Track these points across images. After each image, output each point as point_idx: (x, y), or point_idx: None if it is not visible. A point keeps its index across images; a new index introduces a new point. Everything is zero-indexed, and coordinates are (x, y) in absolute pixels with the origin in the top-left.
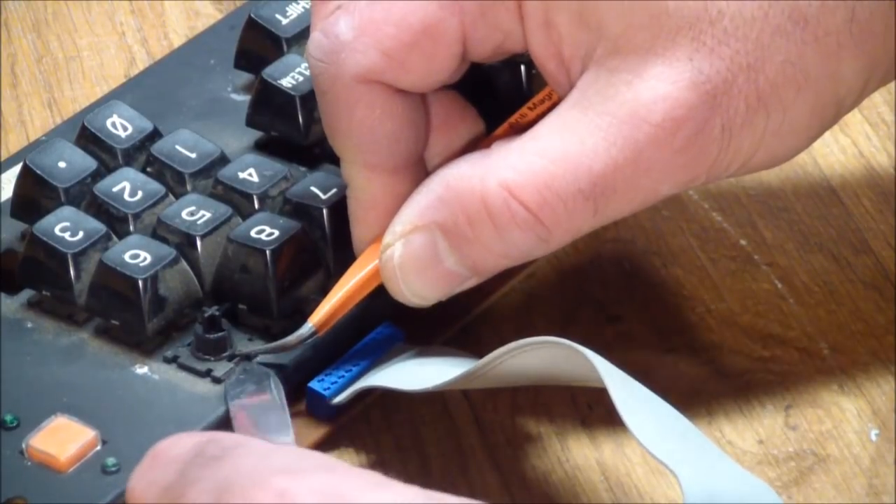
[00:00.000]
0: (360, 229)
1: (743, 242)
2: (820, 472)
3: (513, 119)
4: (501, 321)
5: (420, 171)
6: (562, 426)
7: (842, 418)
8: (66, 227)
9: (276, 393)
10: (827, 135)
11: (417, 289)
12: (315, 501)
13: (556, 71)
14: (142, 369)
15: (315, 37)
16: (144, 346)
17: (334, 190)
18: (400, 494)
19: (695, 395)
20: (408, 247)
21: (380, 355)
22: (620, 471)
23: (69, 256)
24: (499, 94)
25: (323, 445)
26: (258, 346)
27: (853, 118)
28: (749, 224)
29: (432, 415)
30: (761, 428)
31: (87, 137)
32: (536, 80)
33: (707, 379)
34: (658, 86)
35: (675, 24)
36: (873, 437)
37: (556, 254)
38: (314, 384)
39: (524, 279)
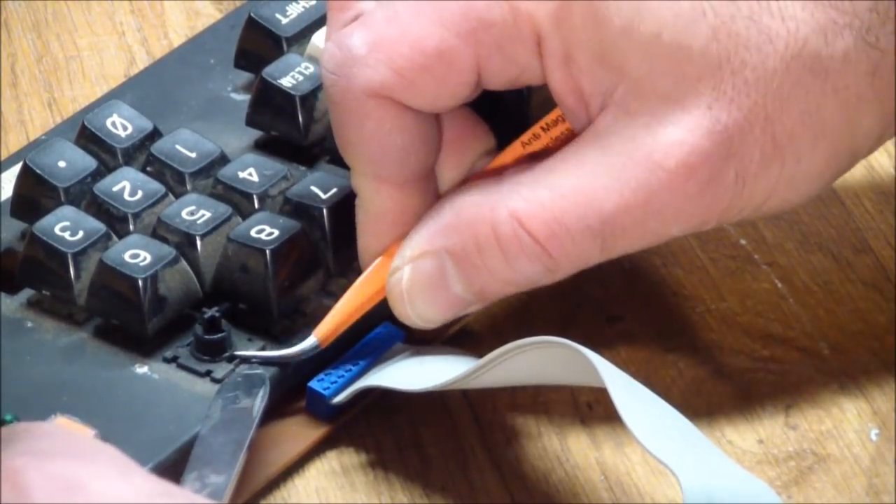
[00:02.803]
0: (366, 240)
1: (743, 242)
2: (820, 471)
3: (525, 138)
4: (501, 321)
5: (430, 184)
6: (562, 426)
7: (842, 418)
8: (65, 226)
9: (257, 407)
10: None
11: (423, 312)
12: (47, 485)
13: (575, 106)
14: (141, 369)
15: (328, 48)
16: (144, 346)
17: (334, 190)
18: (138, 487)
19: (695, 395)
20: (416, 271)
21: (379, 355)
22: (620, 471)
23: (69, 256)
24: (507, 106)
25: (322, 445)
26: (258, 346)
27: None
28: (749, 224)
29: (432, 415)
30: (761, 428)
31: (87, 137)
32: (536, 92)
33: (707, 379)
34: (675, 132)
35: (698, 71)
36: (873, 437)
37: None
38: (314, 384)
39: None
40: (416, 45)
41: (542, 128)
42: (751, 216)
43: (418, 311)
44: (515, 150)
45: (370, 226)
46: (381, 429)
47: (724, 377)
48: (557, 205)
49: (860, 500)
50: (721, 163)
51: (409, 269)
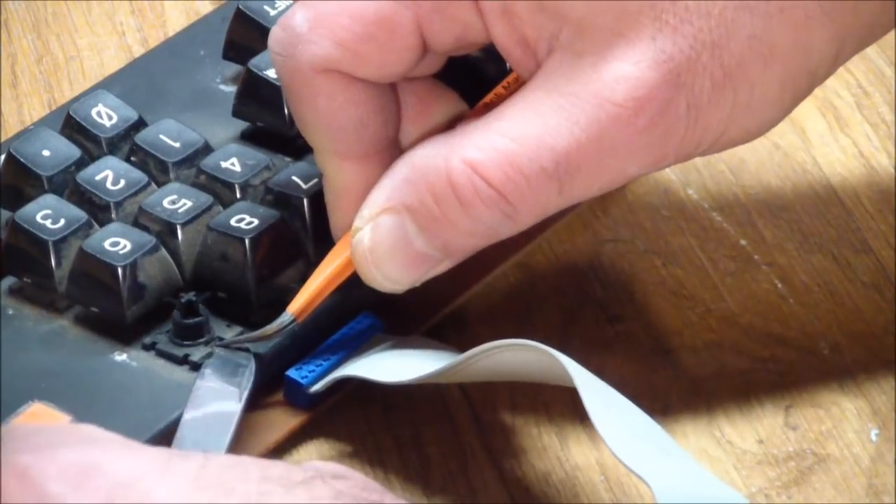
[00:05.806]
0: (336, 216)
1: (743, 242)
2: (820, 471)
3: (487, 99)
4: (502, 322)
5: (394, 156)
6: (562, 426)
7: (842, 418)
8: (47, 214)
9: (244, 385)
10: (827, 134)
11: (389, 272)
12: (62, 474)
13: (523, 58)
14: (120, 357)
15: (273, 30)
16: (124, 334)
17: (315, 180)
18: (152, 457)
19: (695, 396)
20: (376, 230)
21: (359, 345)
22: (620, 471)
23: (50, 244)
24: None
25: (302, 434)
26: (236, 331)
27: (853, 118)
28: (749, 224)
29: (432, 414)
30: (761, 428)
31: (72, 126)
32: None
33: (707, 379)
34: (620, 66)
35: (637, 3)
36: (873, 437)
37: (556, 254)
38: (292, 372)
39: (524, 279)
40: (355, 16)
41: (504, 87)
42: (713, 150)
43: (384, 272)
44: (478, 112)
45: (338, 202)
46: (381, 429)
47: (724, 377)
48: (510, 149)
49: (860, 500)
50: (670, 94)
51: (370, 228)
